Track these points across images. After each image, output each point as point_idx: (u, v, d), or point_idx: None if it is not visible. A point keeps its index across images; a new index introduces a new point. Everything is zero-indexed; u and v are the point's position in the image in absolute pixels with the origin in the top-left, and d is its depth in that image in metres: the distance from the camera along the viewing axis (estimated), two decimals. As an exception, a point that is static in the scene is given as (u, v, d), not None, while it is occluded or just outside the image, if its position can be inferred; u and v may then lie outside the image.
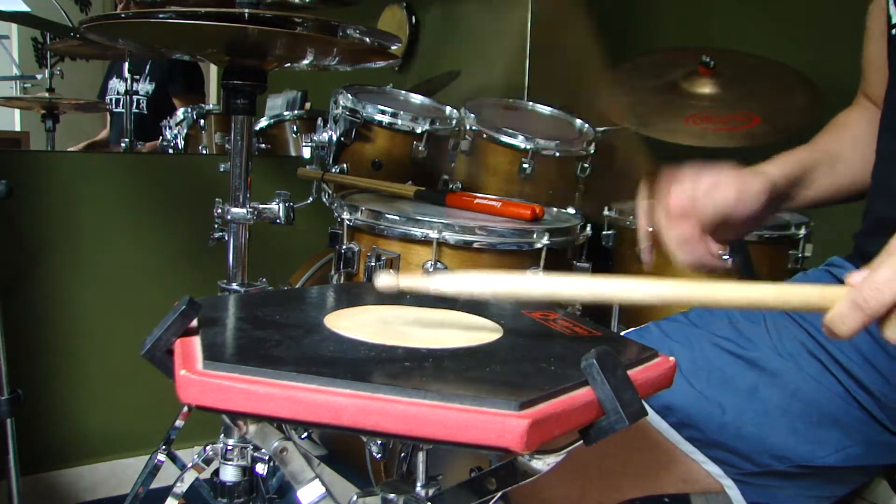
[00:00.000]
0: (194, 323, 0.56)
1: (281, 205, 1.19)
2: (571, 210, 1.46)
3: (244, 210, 1.18)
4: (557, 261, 1.30)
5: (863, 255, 0.85)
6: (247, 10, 1.01)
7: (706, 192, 0.78)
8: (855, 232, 0.89)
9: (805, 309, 0.60)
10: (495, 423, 0.44)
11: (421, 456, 0.65)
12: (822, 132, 0.95)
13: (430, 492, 0.64)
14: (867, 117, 0.93)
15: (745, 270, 1.41)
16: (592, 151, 1.59)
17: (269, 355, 0.51)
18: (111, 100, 1.95)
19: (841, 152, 0.91)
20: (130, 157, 1.92)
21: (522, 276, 0.60)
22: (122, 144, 1.93)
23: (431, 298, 0.55)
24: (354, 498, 0.63)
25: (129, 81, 1.92)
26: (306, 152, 1.56)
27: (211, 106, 2.00)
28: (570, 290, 0.60)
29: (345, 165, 1.52)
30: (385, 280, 0.56)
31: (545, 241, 1.25)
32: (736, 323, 0.85)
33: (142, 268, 1.74)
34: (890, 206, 0.84)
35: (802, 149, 0.90)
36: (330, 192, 1.49)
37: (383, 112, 1.50)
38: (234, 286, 1.20)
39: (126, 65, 1.93)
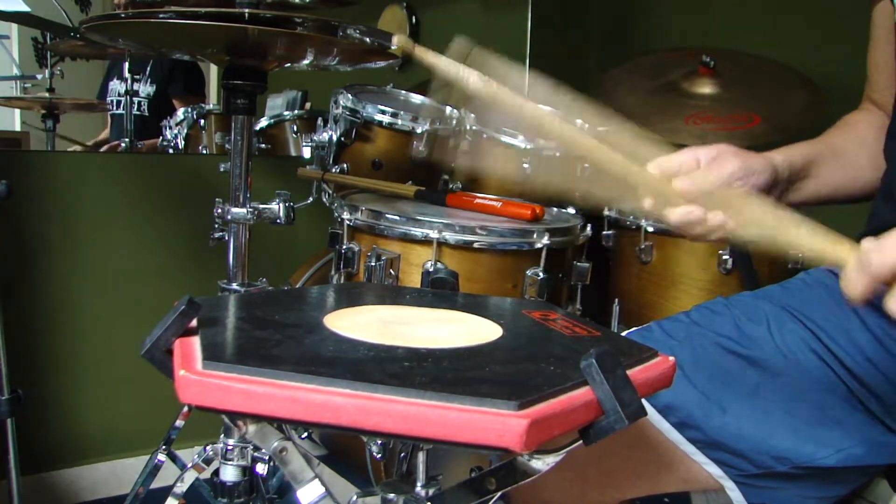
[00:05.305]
0: (194, 323, 0.56)
1: (281, 205, 1.19)
2: (571, 210, 1.46)
3: (244, 210, 1.18)
4: (557, 261, 1.30)
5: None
6: (247, 10, 1.01)
7: (709, 161, 0.75)
8: (857, 233, 0.89)
9: (814, 255, 0.62)
10: (495, 423, 0.44)
11: (421, 456, 0.65)
12: (829, 130, 0.94)
13: (430, 492, 0.64)
14: (873, 121, 0.93)
15: (745, 270, 1.40)
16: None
17: (268, 355, 0.51)
18: (111, 101, 1.95)
19: (846, 148, 0.91)
20: (130, 157, 1.92)
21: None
22: (122, 145, 1.93)
23: (431, 298, 0.55)
24: (354, 498, 0.63)
25: (129, 82, 1.92)
26: (306, 152, 1.56)
27: (211, 106, 2.00)
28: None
29: (345, 165, 1.52)
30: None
31: (545, 241, 1.25)
32: (738, 322, 0.85)
33: (142, 268, 1.74)
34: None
35: (808, 142, 0.89)
36: (330, 192, 1.49)
37: (383, 112, 1.50)
38: (234, 286, 1.20)
39: (126, 66, 1.92)
